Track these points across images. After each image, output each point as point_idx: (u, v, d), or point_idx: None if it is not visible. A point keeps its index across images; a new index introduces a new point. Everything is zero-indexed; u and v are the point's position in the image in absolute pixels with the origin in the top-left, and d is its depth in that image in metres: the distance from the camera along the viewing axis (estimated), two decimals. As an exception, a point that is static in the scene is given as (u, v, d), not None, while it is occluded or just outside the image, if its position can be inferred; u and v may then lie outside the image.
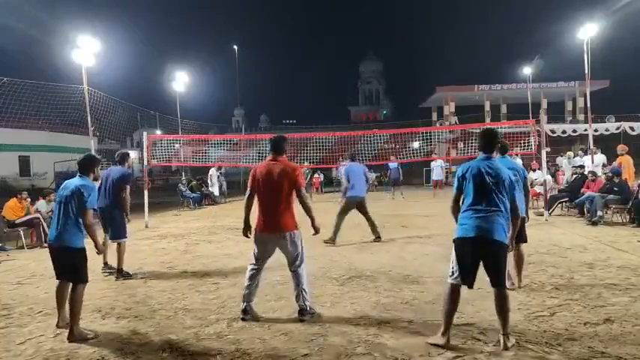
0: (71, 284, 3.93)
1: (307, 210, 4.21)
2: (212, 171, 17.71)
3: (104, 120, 15.58)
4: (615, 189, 9.52)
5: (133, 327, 4.06)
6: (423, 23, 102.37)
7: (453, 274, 3.42)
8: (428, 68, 78.92)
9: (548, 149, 13.24)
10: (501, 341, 3.29)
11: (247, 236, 4.29)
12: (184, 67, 22.48)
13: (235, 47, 52.59)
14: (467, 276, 3.36)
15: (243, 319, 4.09)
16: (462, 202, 3.52)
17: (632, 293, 4.57)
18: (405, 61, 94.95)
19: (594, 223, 9.06)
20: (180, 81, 21.51)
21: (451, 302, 3.42)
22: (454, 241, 3.46)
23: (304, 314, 4.07)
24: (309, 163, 17.03)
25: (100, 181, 6.28)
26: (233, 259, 6.96)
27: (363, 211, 8.17)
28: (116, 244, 5.94)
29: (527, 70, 24.89)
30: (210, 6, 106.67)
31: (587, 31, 13.60)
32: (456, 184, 3.58)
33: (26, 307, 4.72)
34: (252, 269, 4.22)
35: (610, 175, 10.16)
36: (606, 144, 17.95)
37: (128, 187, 6.13)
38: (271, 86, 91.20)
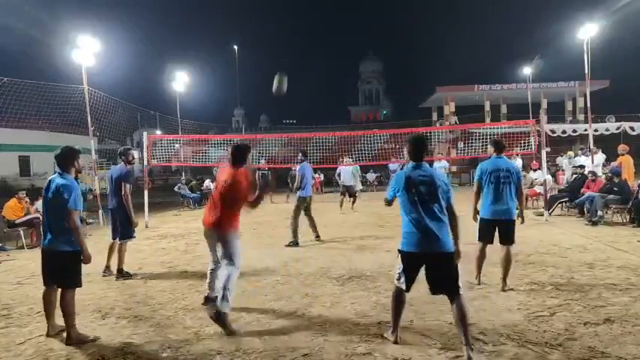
0: (60, 289, 3.76)
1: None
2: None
3: (104, 120, 15.58)
4: (615, 189, 9.52)
5: (133, 327, 4.06)
6: (423, 23, 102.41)
7: (399, 278, 3.42)
8: (428, 68, 78.81)
9: (548, 149, 13.23)
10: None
11: None
12: (184, 67, 22.51)
13: (235, 47, 52.66)
14: (411, 283, 3.40)
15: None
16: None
17: (632, 293, 4.57)
18: (405, 61, 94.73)
19: (594, 223, 9.06)
20: (180, 81, 21.52)
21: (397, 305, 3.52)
22: (399, 251, 3.43)
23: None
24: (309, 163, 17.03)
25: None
26: (233, 259, 6.94)
27: (309, 211, 8.36)
28: (118, 243, 5.89)
29: (527, 70, 24.84)
30: (210, 6, 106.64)
31: (587, 31, 13.60)
32: (390, 193, 3.57)
33: (26, 307, 4.72)
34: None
35: (610, 175, 10.16)
36: (606, 144, 17.94)
37: (128, 185, 5.87)
38: (271, 86, 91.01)
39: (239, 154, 4.26)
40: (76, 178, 4.10)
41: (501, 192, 4.71)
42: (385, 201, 3.67)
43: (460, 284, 3.27)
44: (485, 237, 4.88)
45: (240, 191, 4.11)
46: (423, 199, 3.30)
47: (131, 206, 5.89)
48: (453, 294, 3.26)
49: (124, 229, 5.90)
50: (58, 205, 3.69)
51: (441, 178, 3.38)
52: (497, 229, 4.78)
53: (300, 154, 8.47)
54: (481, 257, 4.96)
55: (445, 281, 3.29)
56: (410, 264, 3.36)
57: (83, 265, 3.87)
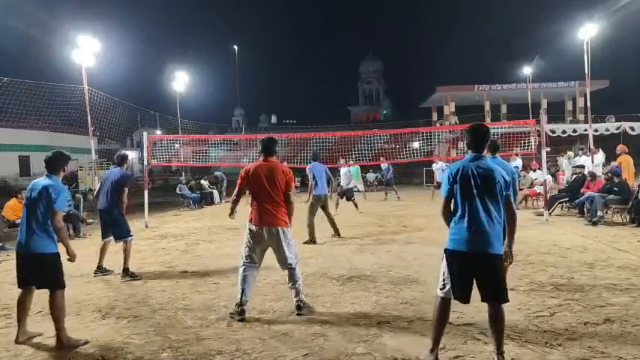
0: (49, 292, 3.70)
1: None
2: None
3: (104, 120, 15.59)
4: (615, 189, 9.52)
5: (133, 327, 4.06)
6: (423, 23, 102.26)
7: (444, 286, 3.09)
8: (428, 68, 78.99)
9: (548, 149, 13.22)
10: None
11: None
12: (184, 67, 22.56)
13: (235, 47, 52.62)
14: (460, 291, 3.02)
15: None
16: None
17: (632, 293, 4.57)
18: (405, 61, 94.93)
19: (594, 223, 9.06)
20: (180, 81, 21.54)
21: (440, 316, 3.11)
22: (445, 251, 3.12)
23: (302, 309, 4.23)
24: (300, 163, 17.03)
25: (99, 184, 6.28)
26: (233, 259, 6.94)
27: (326, 209, 8.55)
28: (122, 243, 5.93)
29: (527, 70, 24.88)
30: (210, 6, 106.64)
31: (587, 31, 13.60)
32: (445, 187, 3.16)
33: (26, 307, 4.71)
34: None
35: (610, 175, 10.16)
36: (606, 144, 17.95)
37: (127, 189, 6.08)
38: (271, 86, 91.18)
39: (271, 144, 4.39)
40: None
41: None
42: (443, 200, 3.17)
43: (506, 292, 2.98)
44: None
45: (289, 180, 4.27)
46: (478, 193, 2.98)
47: (124, 206, 6.03)
48: (495, 300, 2.96)
49: (118, 229, 5.96)
50: (43, 205, 3.67)
51: (502, 174, 3.02)
52: None
53: (312, 155, 8.84)
54: None
55: (489, 285, 2.98)
56: (457, 265, 3.00)
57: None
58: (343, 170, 13.26)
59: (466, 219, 2.98)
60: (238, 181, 4.39)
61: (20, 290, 3.85)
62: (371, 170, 23.30)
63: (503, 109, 33.79)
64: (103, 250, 6.07)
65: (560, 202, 11.21)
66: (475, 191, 2.98)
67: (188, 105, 26.37)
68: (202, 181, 17.76)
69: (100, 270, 6.03)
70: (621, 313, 4.01)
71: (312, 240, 8.05)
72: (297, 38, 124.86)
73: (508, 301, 2.98)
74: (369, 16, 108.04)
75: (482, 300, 3.01)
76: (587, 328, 3.69)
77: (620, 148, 11.61)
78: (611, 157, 13.92)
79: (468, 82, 33.60)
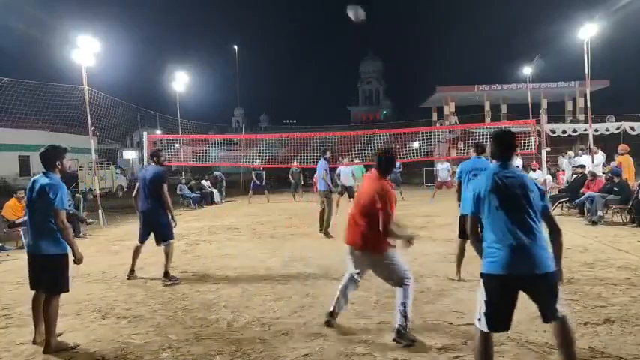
0: (46, 294, 3.62)
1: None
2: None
3: (104, 120, 15.56)
4: (615, 189, 9.52)
5: (133, 327, 4.06)
6: (423, 23, 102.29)
7: (481, 317, 2.67)
8: (428, 68, 78.95)
9: (548, 149, 13.26)
10: None
11: None
12: (184, 67, 22.49)
13: (235, 47, 52.54)
14: (498, 320, 2.65)
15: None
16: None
17: (632, 293, 4.57)
18: (405, 61, 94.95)
19: (594, 223, 9.06)
20: (180, 81, 21.51)
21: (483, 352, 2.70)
22: (481, 275, 2.71)
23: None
24: (300, 163, 17.05)
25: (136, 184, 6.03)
26: (233, 259, 6.95)
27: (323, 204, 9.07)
28: (163, 247, 5.71)
29: (527, 70, 24.86)
30: (210, 6, 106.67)
31: (587, 31, 13.59)
32: (470, 204, 2.81)
33: (26, 307, 4.67)
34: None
35: (610, 175, 10.16)
36: (606, 144, 17.96)
37: (165, 185, 5.72)
38: (271, 86, 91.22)
39: (390, 163, 3.83)
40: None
41: None
42: (469, 219, 2.83)
43: (560, 305, 2.65)
44: (464, 233, 4.99)
45: (391, 204, 3.59)
46: (513, 206, 2.64)
47: (171, 205, 5.79)
48: (555, 320, 2.63)
49: (164, 232, 5.71)
50: (44, 206, 3.59)
51: (533, 182, 2.76)
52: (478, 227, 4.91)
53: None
54: (461, 254, 5.22)
55: (543, 306, 2.63)
56: (496, 292, 2.61)
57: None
58: (344, 171, 13.24)
59: (502, 237, 2.62)
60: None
61: (33, 292, 3.76)
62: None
63: (503, 109, 33.76)
64: (136, 253, 5.82)
65: (560, 202, 11.21)
66: (508, 205, 2.64)
67: (188, 105, 26.36)
68: (203, 182, 17.77)
69: (133, 274, 5.80)
70: (621, 313, 4.01)
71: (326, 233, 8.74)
72: (297, 38, 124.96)
73: (565, 316, 2.65)
74: (369, 16, 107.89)
75: (543, 321, 2.69)
76: (587, 328, 3.69)
77: (622, 147, 11.61)
78: (611, 157, 13.92)
79: (468, 82, 33.58)
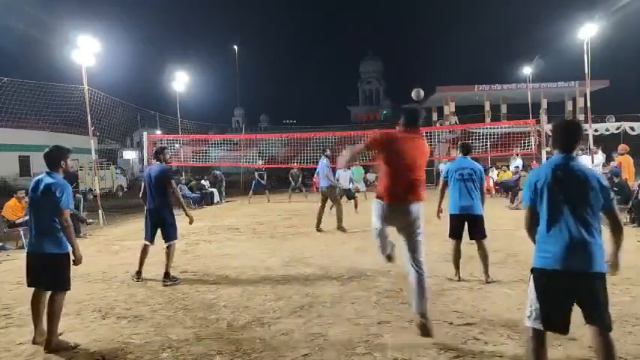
0: (49, 293, 3.63)
1: None
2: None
3: (104, 120, 15.56)
4: (615, 189, 9.51)
5: (133, 327, 4.06)
6: (423, 23, 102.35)
7: (531, 314, 2.59)
8: (428, 68, 78.89)
9: (548, 149, 13.23)
10: None
11: None
12: (184, 67, 22.47)
13: (235, 47, 52.52)
14: (555, 319, 2.54)
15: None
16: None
17: (632, 293, 4.58)
18: (405, 61, 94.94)
19: (594, 223, 9.04)
20: (180, 81, 21.50)
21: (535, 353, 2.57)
22: (532, 270, 2.64)
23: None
24: (300, 163, 17.04)
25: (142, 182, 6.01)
26: (233, 259, 6.95)
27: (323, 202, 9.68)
28: (165, 247, 5.67)
29: (527, 70, 24.86)
30: (210, 6, 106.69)
31: (587, 31, 13.60)
32: (527, 195, 2.71)
33: (26, 307, 4.66)
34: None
35: (610, 175, 10.16)
36: (606, 144, 17.95)
37: (173, 181, 5.76)
38: (271, 86, 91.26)
39: (418, 115, 3.96)
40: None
41: (466, 189, 5.19)
42: (526, 210, 2.74)
43: (609, 317, 2.52)
44: (455, 233, 5.32)
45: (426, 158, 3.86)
46: (572, 200, 2.52)
47: (182, 200, 5.83)
48: (600, 328, 2.51)
49: (168, 231, 5.69)
50: (48, 205, 3.61)
51: (599, 178, 2.58)
52: (466, 225, 5.20)
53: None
54: (456, 255, 5.35)
55: (592, 309, 2.51)
56: (549, 288, 2.52)
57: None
58: (343, 174, 13.20)
59: (558, 232, 2.52)
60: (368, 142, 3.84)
61: (33, 291, 3.77)
62: (371, 170, 23.30)
63: (504, 109, 33.77)
64: (144, 253, 5.74)
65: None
66: (567, 199, 2.52)
67: (188, 105, 26.32)
68: (203, 181, 17.77)
69: (140, 275, 5.71)
70: (621, 313, 4.00)
71: (340, 227, 9.21)
72: (297, 38, 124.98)
73: (612, 329, 2.53)
74: (369, 16, 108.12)
75: (586, 322, 2.55)
76: (587, 328, 3.68)
77: (622, 147, 11.61)
78: (611, 157, 13.93)
79: (468, 82, 33.59)
